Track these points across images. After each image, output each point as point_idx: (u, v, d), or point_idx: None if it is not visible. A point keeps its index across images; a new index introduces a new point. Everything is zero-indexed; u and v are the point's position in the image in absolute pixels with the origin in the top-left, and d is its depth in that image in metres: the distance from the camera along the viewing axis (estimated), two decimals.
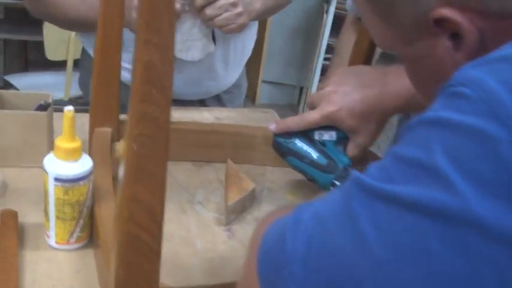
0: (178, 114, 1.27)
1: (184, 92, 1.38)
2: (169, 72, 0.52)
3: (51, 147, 0.95)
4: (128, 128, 0.54)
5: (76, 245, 0.83)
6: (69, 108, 0.76)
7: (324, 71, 3.52)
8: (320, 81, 3.44)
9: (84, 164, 0.80)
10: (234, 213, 0.95)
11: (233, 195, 0.95)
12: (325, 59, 3.66)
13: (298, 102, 4.07)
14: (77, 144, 0.79)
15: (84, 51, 1.46)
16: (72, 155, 0.79)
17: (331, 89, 0.96)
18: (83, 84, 1.49)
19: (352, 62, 1.08)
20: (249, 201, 0.99)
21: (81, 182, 0.79)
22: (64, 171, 0.78)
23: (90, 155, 0.83)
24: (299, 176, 1.06)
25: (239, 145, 1.10)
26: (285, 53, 3.93)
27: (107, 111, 0.98)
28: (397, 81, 0.93)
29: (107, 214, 0.80)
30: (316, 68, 3.73)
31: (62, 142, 0.78)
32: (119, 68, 0.95)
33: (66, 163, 0.78)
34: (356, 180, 0.47)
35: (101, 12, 0.89)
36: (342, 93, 0.95)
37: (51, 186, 0.78)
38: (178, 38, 1.25)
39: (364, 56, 1.06)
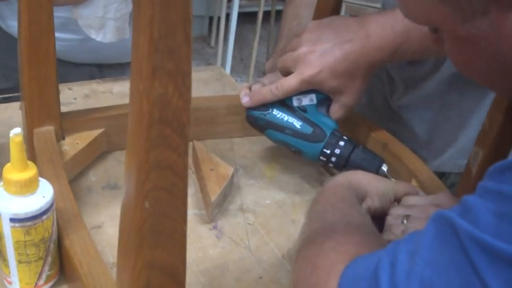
0: (119, 87, 1.12)
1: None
2: (187, 106, 0.39)
3: None
4: (130, 181, 0.41)
5: (46, 286, 0.69)
6: (16, 132, 0.60)
7: None
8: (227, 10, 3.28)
9: (45, 193, 0.65)
10: (218, 207, 0.83)
11: (214, 187, 0.82)
12: None
13: (209, 33, 3.90)
14: (32, 172, 0.63)
15: None
16: (29, 186, 0.63)
17: (307, 49, 0.85)
18: None
19: (319, 13, 0.95)
20: (229, 188, 0.88)
21: (44, 217, 0.64)
22: (22, 208, 0.63)
23: (33, 161, 0.67)
24: (270, 143, 0.96)
25: (200, 121, 0.97)
26: None
27: (45, 108, 0.82)
28: (378, 33, 0.83)
29: (81, 241, 0.67)
30: None
31: (13, 173, 0.62)
32: (54, 56, 0.79)
33: (23, 198, 0.63)
34: (468, 234, 0.38)
35: None
36: (320, 52, 0.84)
37: (7, 228, 0.63)
38: (92, 12, 1.13)
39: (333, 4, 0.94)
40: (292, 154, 0.93)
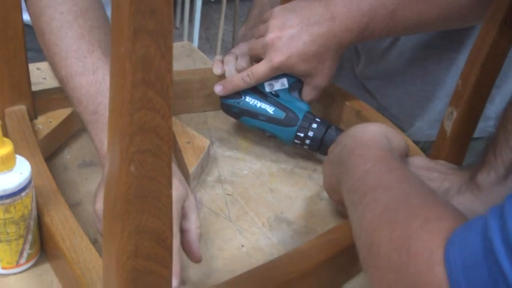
0: None
1: None
2: (169, 66, 0.39)
3: None
4: (113, 145, 0.40)
5: (27, 265, 0.69)
6: None
7: None
8: None
9: (22, 170, 0.64)
10: (196, 178, 0.83)
11: (191, 159, 0.82)
12: None
13: (174, 14, 3.86)
14: (8, 148, 0.62)
15: None
16: (6, 163, 0.62)
17: (274, 35, 0.86)
18: None
19: None
20: (206, 160, 0.87)
21: (23, 194, 0.63)
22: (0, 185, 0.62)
23: None
24: None
25: (173, 95, 0.96)
26: None
27: (16, 88, 0.81)
28: (345, 14, 0.84)
29: (62, 217, 0.66)
30: None
31: None
32: (22, 33, 0.77)
33: (0, 175, 0.62)
34: None
35: None
36: (287, 37, 0.85)
37: None
38: None
39: None
40: None
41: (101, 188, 0.68)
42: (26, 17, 0.78)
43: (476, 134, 0.78)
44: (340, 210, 0.82)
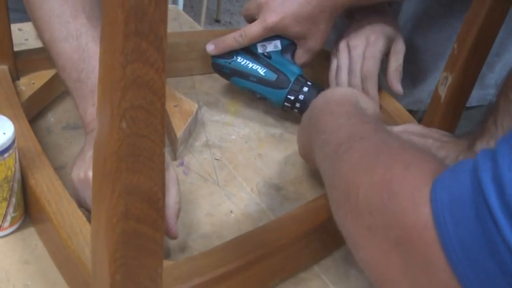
0: None
1: None
2: (163, 16, 0.37)
3: None
4: (104, 101, 0.38)
5: (11, 229, 0.67)
6: None
7: None
8: None
9: (5, 130, 0.61)
10: (183, 143, 0.81)
11: (179, 123, 0.80)
12: None
13: None
14: None
15: None
16: None
17: None
18: None
19: None
20: (194, 124, 0.85)
21: (5, 155, 0.61)
22: None
23: None
24: None
25: None
26: None
27: None
28: None
29: (47, 179, 0.64)
30: None
31: None
32: None
33: None
34: None
35: None
36: None
37: None
38: None
39: None
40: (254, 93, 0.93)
41: (80, 156, 0.66)
42: None
43: (475, 102, 0.77)
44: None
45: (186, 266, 0.57)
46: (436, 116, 0.75)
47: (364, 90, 0.86)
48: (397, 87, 0.87)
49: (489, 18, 0.67)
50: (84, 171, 0.63)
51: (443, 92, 0.73)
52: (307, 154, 0.73)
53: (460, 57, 0.69)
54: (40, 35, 0.75)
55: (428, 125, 0.77)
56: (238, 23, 3.55)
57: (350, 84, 0.87)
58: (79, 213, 0.60)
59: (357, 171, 0.48)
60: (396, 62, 0.88)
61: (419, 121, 1.01)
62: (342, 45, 0.89)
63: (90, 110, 0.68)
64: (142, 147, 0.39)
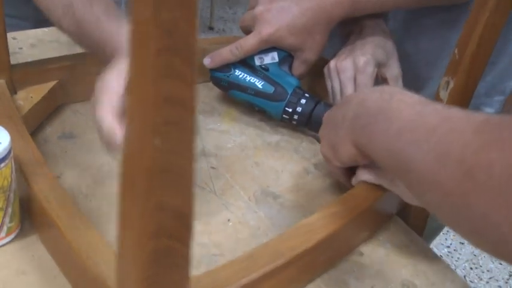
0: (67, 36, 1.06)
1: None
2: (194, 30, 0.36)
3: None
4: (134, 118, 0.37)
5: (7, 239, 0.66)
6: None
7: None
8: None
9: (1, 139, 0.61)
10: None
11: None
12: None
13: None
14: None
15: None
16: None
17: (263, 8, 0.85)
18: None
19: None
20: None
21: (1, 165, 0.60)
22: None
23: None
24: None
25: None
26: None
27: None
28: None
29: (49, 185, 0.64)
30: None
31: None
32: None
33: None
34: None
35: None
36: (276, 10, 0.84)
37: None
38: None
39: None
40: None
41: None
42: None
43: None
44: (336, 175, 0.79)
45: (208, 279, 0.56)
46: None
47: None
48: None
49: (491, 21, 0.67)
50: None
51: (445, 97, 0.73)
52: (335, 151, 0.71)
53: (462, 62, 0.70)
54: None
55: None
56: (232, 30, 3.54)
57: None
58: (83, 218, 0.60)
59: (479, 149, 0.46)
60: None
61: None
62: (332, 66, 0.88)
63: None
64: (174, 164, 0.39)
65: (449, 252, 2.23)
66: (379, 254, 0.72)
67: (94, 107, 0.66)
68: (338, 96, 0.87)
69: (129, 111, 0.38)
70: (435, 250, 2.14)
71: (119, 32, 0.72)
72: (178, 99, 0.37)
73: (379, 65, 0.87)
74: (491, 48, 0.69)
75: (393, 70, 0.88)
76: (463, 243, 2.27)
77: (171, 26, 0.35)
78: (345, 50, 0.89)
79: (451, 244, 2.26)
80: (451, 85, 0.72)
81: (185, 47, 0.36)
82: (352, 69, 0.86)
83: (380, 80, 0.88)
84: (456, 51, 0.71)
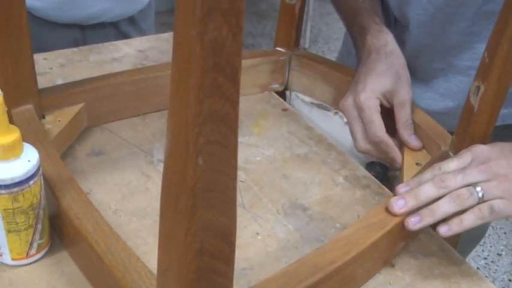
0: (95, 56, 1.06)
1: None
2: (239, 48, 0.36)
3: None
4: (177, 137, 0.37)
5: (38, 256, 0.66)
6: None
7: None
8: None
9: (30, 157, 0.61)
10: None
11: None
12: None
13: None
14: (15, 135, 0.60)
15: None
16: (13, 150, 0.60)
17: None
18: None
19: None
20: None
21: (31, 182, 0.61)
22: (7, 173, 0.59)
23: None
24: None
25: None
26: None
27: (22, 86, 0.76)
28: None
29: (78, 202, 0.64)
30: None
31: None
32: (27, 28, 0.72)
33: (7, 163, 0.59)
34: None
35: None
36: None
37: None
38: None
39: None
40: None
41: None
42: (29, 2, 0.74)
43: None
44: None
45: None
46: (469, 126, 0.75)
47: (389, 154, 0.84)
48: (414, 142, 0.83)
49: None
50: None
51: (476, 102, 0.72)
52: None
53: (492, 66, 0.69)
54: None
55: (461, 134, 0.76)
56: (261, 44, 3.52)
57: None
58: (115, 233, 0.60)
59: None
60: (404, 115, 0.84)
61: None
62: (340, 106, 0.87)
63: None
64: (216, 182, 0.39)
65: (486, 264, 2.20)
66: (411, 265, 0.71)
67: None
68: (354, 135, 0.86)
69: (171, 132, 0.38)
70: (472, 262, 2.14)
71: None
72: (221, 118, 0.37)
73: (385, 93, 0.84)
74: None
75: (400, 96, 0.84)
76: (500, 255, 2.24)
77: (218, 44, 0.34)
78: (350, 85, 0.88)
79: (488, 256, 2.23)
80: (482, 90, 0.71)
81: (230, 65, 0.36)
82: (354, 108, 0.84)
83: (389, 106, 0.86)
84: (486, 54, 0.70)
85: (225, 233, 0.41)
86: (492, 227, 2.34)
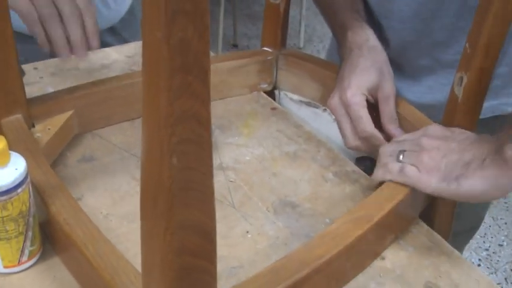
0: (85, 63, 1.07)
1: None
2: (207, 49, 0.36)
3: None
4: (151, 139, 0.38)
5: (30, 263, 0.67)
6: None
7: None
8: None
9: (18, 166, 0.62)
10: None
11: None
12: None
13: None
14: (1, 144, 0.61)
15: None
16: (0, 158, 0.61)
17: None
18: None
19: None
20: None
21: (19, 190, 0.61)
22: None
23: None
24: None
25: None
26: None
27: (10, 96, 0.77)
28: None
29: (68, 207, 0.65)
30: None
31: None
32: (11, 39, 0.73)
33: None
34: None
35: None
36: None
37: None
38: None
39: None
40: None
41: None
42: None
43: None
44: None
45: None
46: (455, 117, 0.75)
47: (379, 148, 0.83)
48: (399, 135, 0.83)
49: (500, 12, 0.67)
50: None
51: (460, 93, 0.73)
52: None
53: (474, 56, 0.69)
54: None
55: (447, 125, 0.76)
56: (256, 46, 3.51)
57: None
58: (115, 250, 0.60)
59: None
60: (388, 108, 0.85)
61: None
62: (328, 104, 0.87)
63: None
64: (193, 181, 0.39)
65: (488, 255, 2.20)
66: (401, 257, 0.72)
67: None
68: (343, 132, 0.86)
69: (145, 134, 0.39)
70: (474, 254, 2.15)
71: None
72: (192, 116, 0.37)
73: (370, 89, 0.85)
74: (502, 39, 0.69)
75: (384, 90, 0.85)
76: (501, 245, 2.24)
77: (184, 45, 0.35)
78: (336, 82, 0.88)
79: (489, 247, 2.23)
80: (465, 80, 0.71)
81: (198, 65, 0.36)
82: (341, 106, 0.85)
83: (373, 101, 0.86)
84: (467, 45, 0.71)
85: (205, 231, 0.41)
86: (492, 217, 2.35)
